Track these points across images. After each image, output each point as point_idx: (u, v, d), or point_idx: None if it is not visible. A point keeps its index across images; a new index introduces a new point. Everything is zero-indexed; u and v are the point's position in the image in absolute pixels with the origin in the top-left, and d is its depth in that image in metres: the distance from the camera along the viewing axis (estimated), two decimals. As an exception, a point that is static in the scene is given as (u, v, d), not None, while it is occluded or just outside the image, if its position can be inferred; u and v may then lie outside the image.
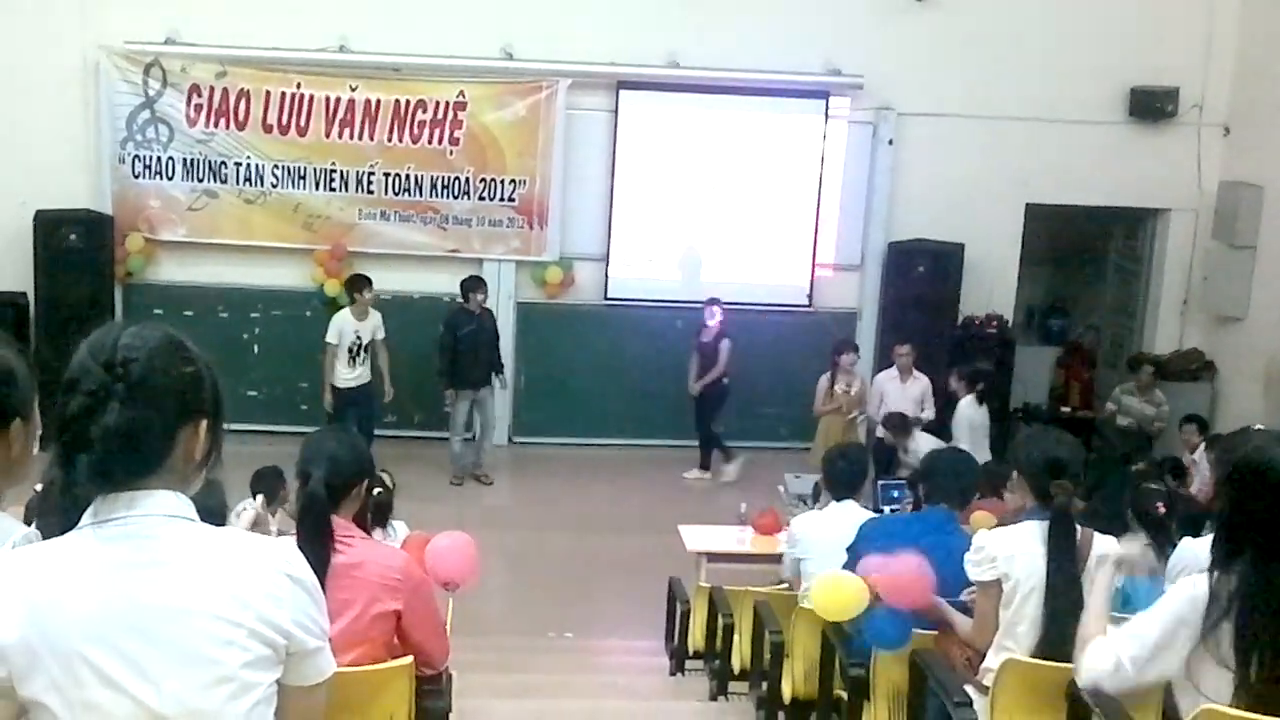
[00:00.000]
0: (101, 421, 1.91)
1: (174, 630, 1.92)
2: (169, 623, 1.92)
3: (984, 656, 4.15)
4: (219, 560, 1.98)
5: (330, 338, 10.48)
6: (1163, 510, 5.90)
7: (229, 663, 1.94)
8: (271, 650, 1.98)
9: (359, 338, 10.54)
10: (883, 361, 11.26)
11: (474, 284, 10.78)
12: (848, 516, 5.57)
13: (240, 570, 1.98)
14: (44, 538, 2.32)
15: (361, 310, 10.54)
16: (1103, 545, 4.08)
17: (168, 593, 1.93)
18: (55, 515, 2.60)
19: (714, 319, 10.89)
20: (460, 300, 10.79)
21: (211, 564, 1.97)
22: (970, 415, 9.86)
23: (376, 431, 10.51)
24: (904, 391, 10.34)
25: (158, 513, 1.96)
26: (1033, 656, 3.96)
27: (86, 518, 1.97)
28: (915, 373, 10.40)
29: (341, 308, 10.83)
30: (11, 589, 1.91)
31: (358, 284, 10.59)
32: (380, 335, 10.57)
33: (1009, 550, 3.99)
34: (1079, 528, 4.00)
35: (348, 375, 10.57)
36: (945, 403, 10.28)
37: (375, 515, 4.90)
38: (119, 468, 1.93)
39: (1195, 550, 4.39)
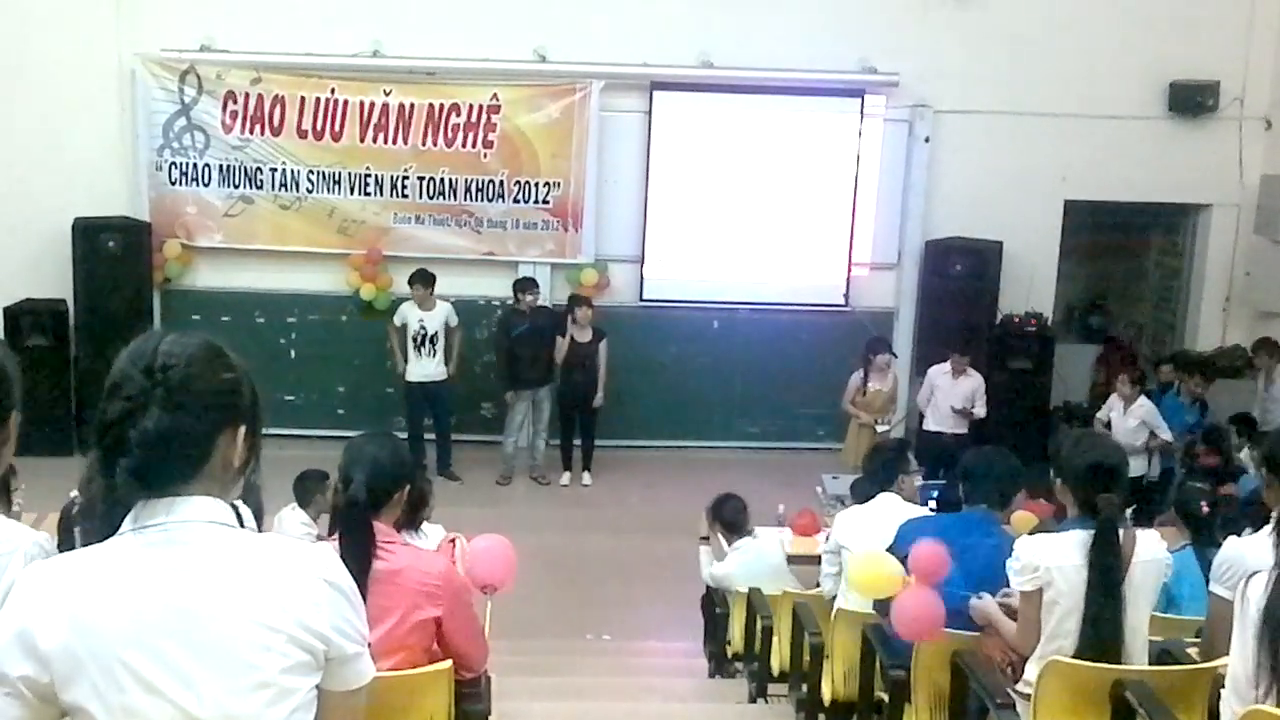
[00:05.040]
0: (141, 426, 1.91)
1: (213, 636, 1.93)
2: (208, 628, 1.93)
3: (1025, 662, 4.11)
4: (258, 566, 1.99)
5: (394, 319, 10.72)
6: (1206, 509, 5.83)
7: (268, 668, 1.94)
8: (310, 656, 1.98)
9: (424, 327, 10.67)
10: (920, 360, 11.18)
11: (523, 285, 10.84)
12: (889, 511, 5.55)
13: (279, 576, 1.99)
14: (84, 544, 2.33)
15: (423, 301, 10.65)
16: (1147, 549, 4.03)
17: (207, 599, 1.94)
18: (96, 521, 2.62)
19: (586, 319, 10.82)
20: (513, 302, 10.87)
21: (250, 570, 1.98)
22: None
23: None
24: (954, 386, 10.32)
25: (197, 519, 1.97)
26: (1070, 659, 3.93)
27: (127, 523, 1.97)
28: (968, 370, 10.38)
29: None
30: (53, 595, 1.92)
31: (410, 278, 10.72)
32: (453, 323, 10.72)
33: (1050, 561, 3.95)
34: (1123, 532, 3.96)
35: (415, 368, 10.71)
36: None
37: (410, 518, 4.91)
38: (158, 472, 1.94)
39: (1241, 549, 4.33)
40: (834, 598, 5.72)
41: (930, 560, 4.33)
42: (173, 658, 1.91)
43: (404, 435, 10.22)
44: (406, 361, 10.75)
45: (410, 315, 10.70)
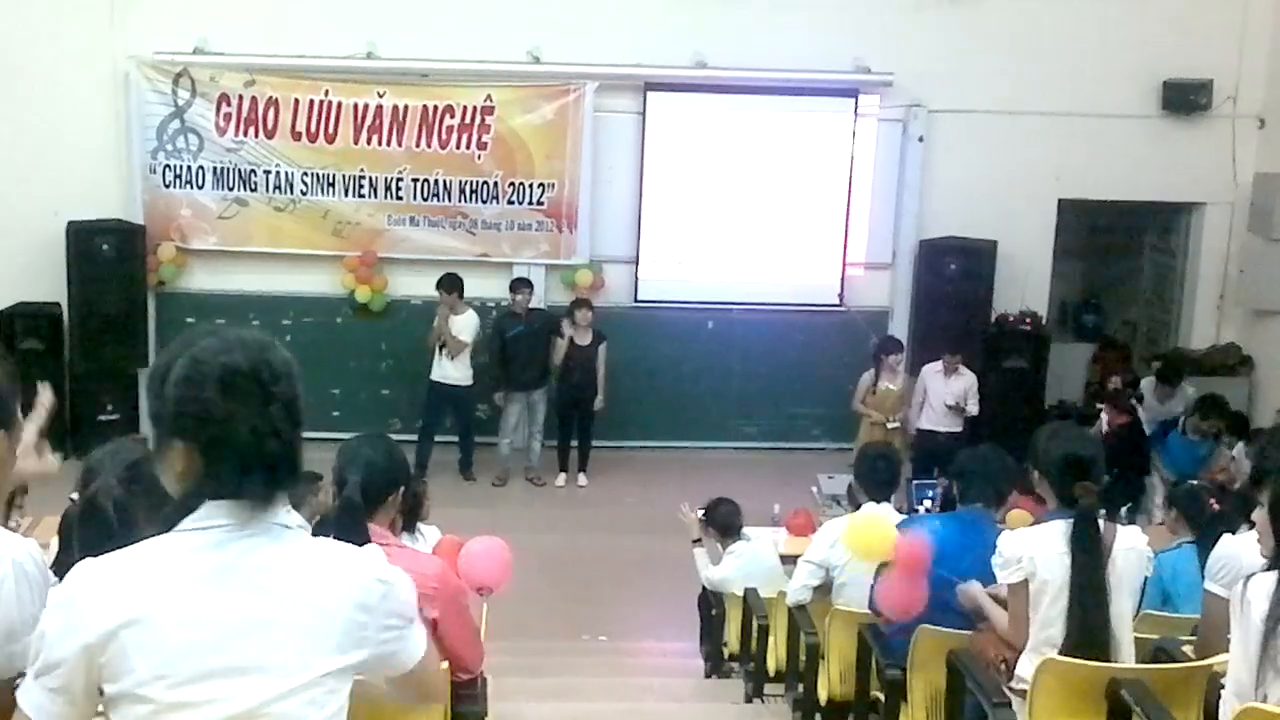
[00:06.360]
0: (269, 443, 1.97)
1: (268, 634, 1.97)
2: (263, 629, 1.96)
3: (1017, 659, 4.12)
4: (316, 571, 2.03)
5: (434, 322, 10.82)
6: (1216, 507, 5.82)
7: (318, 667, 1.99)
8: (356, 661, 2.05)
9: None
10: (916, 361, 11.20)
11: (515, 285, 10.89)
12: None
13: (335, 582, 2.03)
14: (82, 548, 2.33)
15: (452, 306, 10.68)
16: (1128, 539, 4.04)
17: (265, 600, 1.98)
18: (96, 526, 2.61)
19: (586, 321, 10.82)
20: (508, 303, 10.94)
21: (309, 574, 2.02)
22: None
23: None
24: (946, 385, 10.39)
25: (279, 523, 2.03)
26: (1062, 657, 3.94)
27: (191, 521, 1.99)
28: (960, 369, 10.43)
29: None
30: (106, 587, 1.94)
31: (436, 283, 10.73)
32: (465, 337, 10.70)
33: (1031, 551, 3.98)
34: (1103, 523, 3.97)
35: (436, 369, 10.79)
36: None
37: (406, 520, 4.90)
38: (279, 483, 2.01)
39: (1236, 548, 4.34)
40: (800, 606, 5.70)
41: (912, 550, 4.35)
42: (226, 653, 1.94)
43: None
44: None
45: (439, 317, 10.74)
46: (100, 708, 1.98)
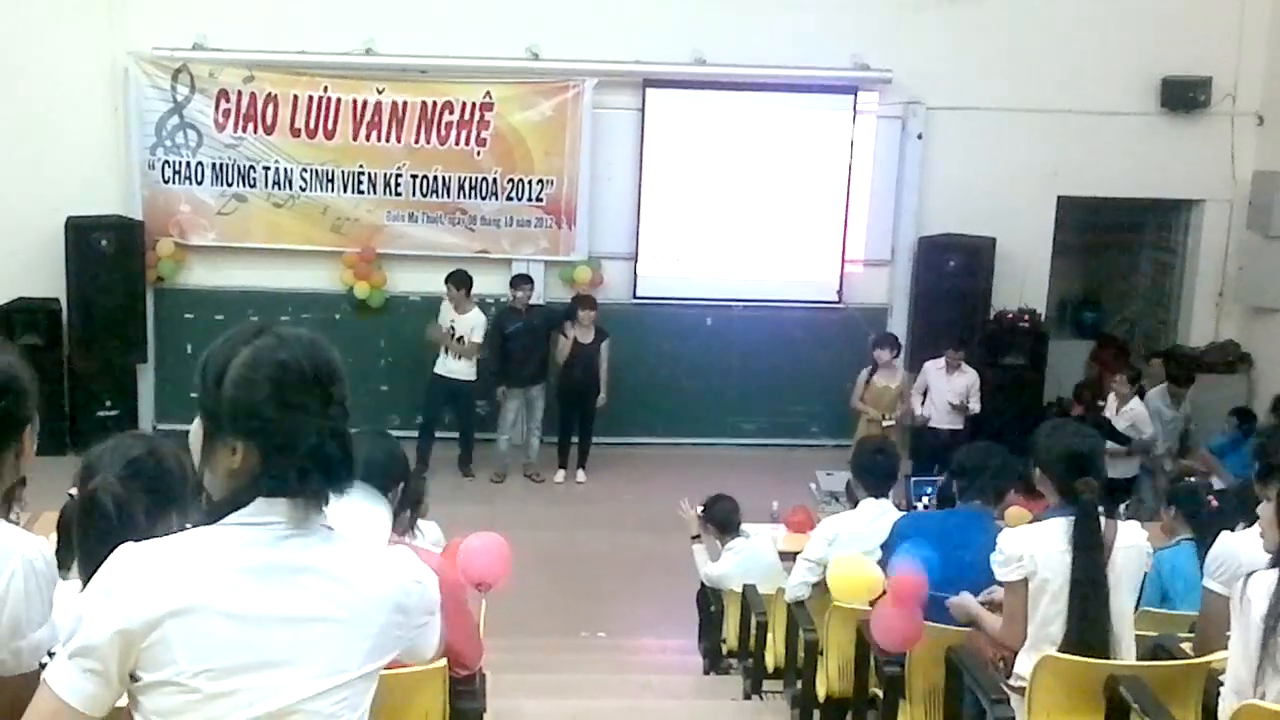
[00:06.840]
0: (331, 446, 1.99)
1: (312, 635, 1.98)
2: (308, 627, 1.98)
3: (1016, 657, 4.12)
4: (362, 573, 2.05)
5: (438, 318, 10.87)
6: (1215, 504, 5.82)
7: (353, 669, 2.02)
8: (388, 660, 2.10)
9: (454, 328, 10.73)
10: (915, 358, 11.20)
11: (515, 281, 10.93)
12: (882, 514, 5.53)
13: (379, 584, 2.05)
14: (81, 546, 2.33)
15: (458, 303, 10.69)
16: (1128, 536, 4.04)
17: (313, 600, 1.99)
18: (96, 522, 2.60)
19: (589, 320, 10.83)
20: (508, 299, 10.96)
21: (356, 576, 2.03)
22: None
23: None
24: (949, 382, 10.37)
25: (326, 524, 2.04)
26: (1061, 654, 3.94)
27: (238, 516, 1.98)
28: (963, 366, 10.42)
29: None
30: (152, 576, 1.93)
31: (447, 278, 10.74)
32: (476, 337, 10.71)
33: (1032, 549, 3.97)
34: (1104, 520, 3.97)
35: (440, 363, 10.80)
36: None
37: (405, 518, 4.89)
38: (337, 484, 2.02)
39: (1235, 546, 4.34)
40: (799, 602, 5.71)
41: (907, 586, 4.34)
42: (269, 649, 1.95)
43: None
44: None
45: (445, 314, 10.77)
46: (125, 696, 1.98)
